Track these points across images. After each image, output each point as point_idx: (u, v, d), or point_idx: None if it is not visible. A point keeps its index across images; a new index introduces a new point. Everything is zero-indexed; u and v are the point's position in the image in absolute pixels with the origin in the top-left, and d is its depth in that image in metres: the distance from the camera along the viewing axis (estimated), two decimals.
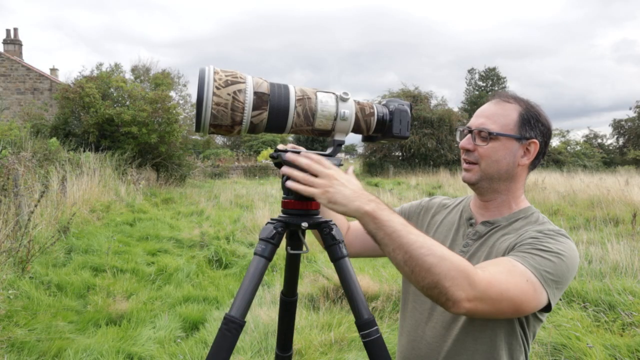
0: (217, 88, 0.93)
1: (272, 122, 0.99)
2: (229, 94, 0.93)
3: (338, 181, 0.95)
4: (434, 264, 0.87)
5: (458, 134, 1.24)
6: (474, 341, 1.11)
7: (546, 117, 1.17)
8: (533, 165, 1.19)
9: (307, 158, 0.98)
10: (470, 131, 1.17)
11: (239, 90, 0.94)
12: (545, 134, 1.17)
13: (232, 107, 0.94)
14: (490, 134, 1.13)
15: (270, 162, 22.81)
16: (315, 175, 0.96)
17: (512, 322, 1.08)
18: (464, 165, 1.19)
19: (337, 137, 1.07)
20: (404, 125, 1.10)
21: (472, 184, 1.19)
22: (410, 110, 1.12)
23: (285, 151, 1.03)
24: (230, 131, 0.97)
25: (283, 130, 1.02)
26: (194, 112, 0.97)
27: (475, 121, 1.17)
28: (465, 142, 1.18)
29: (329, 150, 1.09)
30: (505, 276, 0.94)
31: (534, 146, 1.15)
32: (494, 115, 1.15)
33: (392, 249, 0.91)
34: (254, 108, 0.96)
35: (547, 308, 1.02)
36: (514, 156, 1.14)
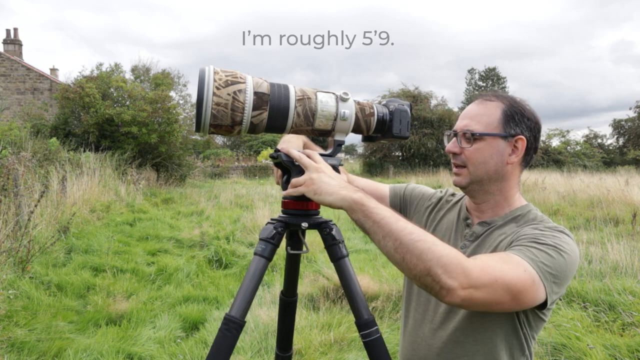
0: (217, 88, 0.93)
1: (272, 122, 0.99)
2: (229, 94, 0.93)
3: (324, 173, 0.98)
4: (425, 249, 0.86)
5: (445, 138, 1.21)
6: (474, 342, 1.09)
7: (532, 111, 1.14)
8: (525, 162, 1.16)
9: (301, 152, 1.04)
10: (456, 134, 1.15)
11: (239, 90, 0.94)
12: (533, 128, 1.13)
13: (232, 107, 0.94)
14: (473, 134, 1.11)
15: (270, 162, 22.80)
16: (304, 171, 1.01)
17: (512, 320, 1.06)
18: (454, 169, 1.17)
19: (337, 137, 1.07)
20: (404, 125, 1.11)
21: (463, 188, 1.17)
22: (410, 110, 1.13)
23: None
24: (230, 131, 0.97)
25: (283, 130, 1.02)
26: (194, 112, 0.98)
27: (460, 123, 1.15)
28: (451, 145, 1.15)
29: (329, 151, 1.09)
30: (500, 264, 0.91)
31: (522, 142, 1.11)
32: (477, 115, 1.13)
33: (381, 237, 0.90)
34: (254, 108, 0.96)
35: (544, 305, 0.98)
36: (501, 155, 1.11)
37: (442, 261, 0.85)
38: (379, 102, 1.14)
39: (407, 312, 1.27)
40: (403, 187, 1.41)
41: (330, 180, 0.97)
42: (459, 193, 1.33)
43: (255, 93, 0.96)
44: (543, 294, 0.95)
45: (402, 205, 1.37)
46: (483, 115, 1.12)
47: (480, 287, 0.87)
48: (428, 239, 0.88)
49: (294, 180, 1.01)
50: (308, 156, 1.03)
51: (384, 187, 1.40)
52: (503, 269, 0.90)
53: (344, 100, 1.04)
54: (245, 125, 0.96)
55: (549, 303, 0.98)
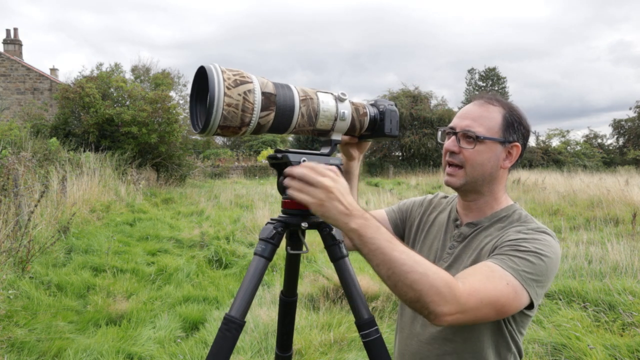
0: (228, 88, 0.88)
1: (277, 122, 0.97)
2: (239, 95, 0.89)
3: (333, 194, 0.92)
4: (416, 280, 0.90)
5: (440, 134, 1.22)
6: (462, 341, 1.13)
7: (527, 120, 1.18)
8: (513, 166, 1.21)
9: (303, 167, 0.95)
10: (455, 133, 1.16)
11: (249, 91, 0.91)
12: (526, 136, 1.18)
13: (243, 108, 0.90)
14: (477, 137, 1.12)
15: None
16: (311, 184, 0.93)
17: (498, 320, 1.09)
18: (448, 169, 1.18)
19: (334, 137, 1.08)
20: (394, 125, 1.14)
21: (456, 188, 1.19)
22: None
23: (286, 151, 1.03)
24: (237, 132, 0.93)
25: (286, 130, 1.01)
26: None
27: (460, 122, 1.16)
28: (450, 144, 1.16)
29: (327, 150, 1.09)
30: (484, 283, 0.96)
31: (516, 149, 1.16)
32: (479, 117, 1.14)
33: (375, 264, 0.93)
34: (263, 109, 0.93)
35: (530, 306, 1.04)
36: (497, 159, 1.14)
37: (432, 291, 0.89)
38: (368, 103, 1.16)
39: (402, 309, 1.30)
40: (396, 205, 1.45)
41: (339, 206, 0.92)
42: (451, 195, 1.36)
43: (263, 93, 0.94)
44: (527, 299, 1.01)
45: (400, 219, 1.40)
46: (485, 119, 1.14)
47: (467, 311, 0.93)
48: (419, 269, 0.90)
49: (299, 185, 0.94)
50: (313, 168, 0.95)
51: (381, 211, 1.44)
52: (487, 288, 0.96)
53: (342, 100, 1.05)
54: (253, 126, 0.94)
55: (536, 305, 1.04)
